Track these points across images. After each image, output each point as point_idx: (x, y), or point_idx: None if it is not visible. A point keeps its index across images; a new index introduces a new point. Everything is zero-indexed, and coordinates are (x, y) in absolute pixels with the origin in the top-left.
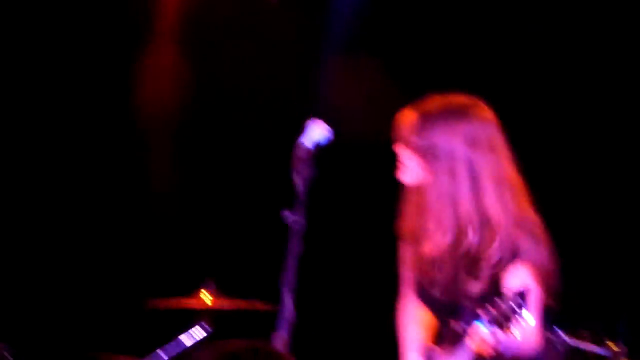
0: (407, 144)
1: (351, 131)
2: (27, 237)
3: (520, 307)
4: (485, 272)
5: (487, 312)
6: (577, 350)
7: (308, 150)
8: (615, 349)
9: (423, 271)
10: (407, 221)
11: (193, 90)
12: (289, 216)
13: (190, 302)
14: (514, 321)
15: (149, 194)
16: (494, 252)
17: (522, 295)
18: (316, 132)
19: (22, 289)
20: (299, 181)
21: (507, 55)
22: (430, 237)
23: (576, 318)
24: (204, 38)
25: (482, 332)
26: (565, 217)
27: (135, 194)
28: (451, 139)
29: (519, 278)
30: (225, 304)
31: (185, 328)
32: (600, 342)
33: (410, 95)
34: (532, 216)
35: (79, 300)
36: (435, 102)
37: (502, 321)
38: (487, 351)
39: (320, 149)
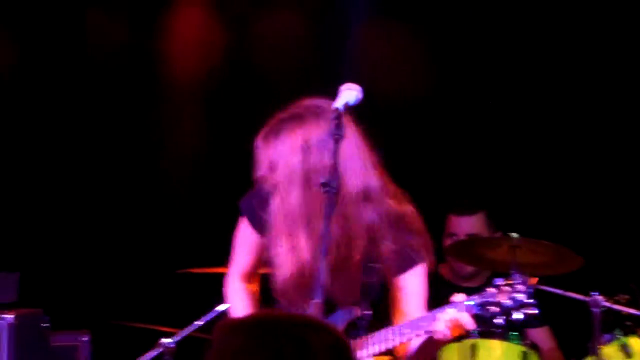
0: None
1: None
2: (61, 208)
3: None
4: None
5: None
6: (615, 312)
7: (339, 112)
8: None
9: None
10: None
11: (223, 58)
12: (324, 181)
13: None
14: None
15: (184, 166)
16: (359, 254)
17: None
18: (347, 94)
19: (59, 259)
20: (332, 144)
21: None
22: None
23: (614, 282)
24: (233, 4)
25: (461, 316)
26: (603, 186)
27: (170, 165)
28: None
29: (414, 280)
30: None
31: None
32: (637, 305)
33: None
34: (405, 211)
35: (115, 270)
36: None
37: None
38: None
39: (350, 109)
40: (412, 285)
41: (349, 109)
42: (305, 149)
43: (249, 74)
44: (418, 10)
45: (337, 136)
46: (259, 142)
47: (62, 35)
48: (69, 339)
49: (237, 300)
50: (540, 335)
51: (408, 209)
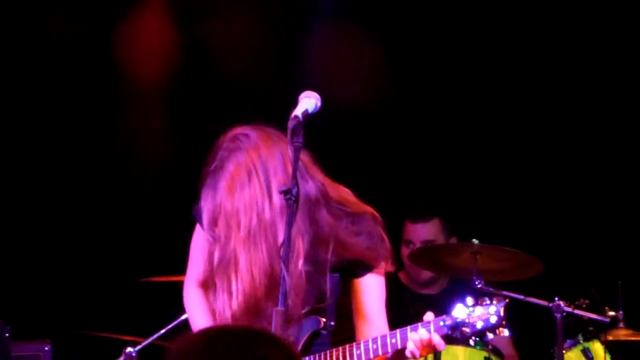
0: None
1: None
2: (21, 215)
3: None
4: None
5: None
6: (576, 318)
7: (298, 120)
8: (614, 315)
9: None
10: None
11: (183, 61)
12: (285, 189)
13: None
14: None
15: (146, 173)
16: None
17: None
18: (306, 102)
19: (19, 267)
20: (292, 152)
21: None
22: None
23: (575, 288)
24: (192, 8)
25: (432, 337)
26: (564, 193)
27: (132, 172)
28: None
29: (374, 282)
30: None
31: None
32: (598, 310)
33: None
34: (364, 214)
35: (77, 279)
36: None
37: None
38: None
39: (309, 117)
40: (373, 287)
41: (308, 117)
42: (240, 186)
43: (209, 77)
44: (376, 14)
45: (297, 144)
46: (201, 199)
47: (23, 41)
48: (31, 348)
49: (195, 308)
50: (501, 341)
51: (367, 211)
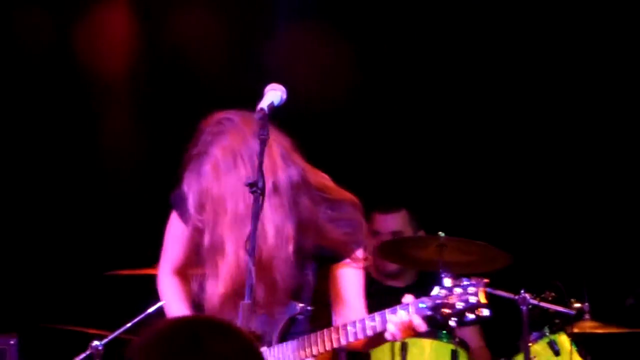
0: None
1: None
2: None
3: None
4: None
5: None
6: (542, 310)
7: (264, 113)
8: (579, 307)
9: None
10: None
11: (146, 54)
12: (250, 182)
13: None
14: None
15: (112, 166)
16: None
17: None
18: (271, 95)
19: None
20: (258, 145)
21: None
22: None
23: (541, 280)
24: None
25: (412, 318)
26: (530, 186)
27: (96, 164)
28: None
29: (352, 266)
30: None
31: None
32: (564, 302)
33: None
34: (340, 199)
35: (43, 272)
36: None
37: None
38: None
39: (275, 109)
40: (351, 273)
41: (274, 109)
42: (226, 171)
43: (173, 70)
44: (344, 11)
45: (263, 136)
46: (184, 184)
47: None
48: None
49: (170, 295)
50: (470, 333)
51: (347, 197)
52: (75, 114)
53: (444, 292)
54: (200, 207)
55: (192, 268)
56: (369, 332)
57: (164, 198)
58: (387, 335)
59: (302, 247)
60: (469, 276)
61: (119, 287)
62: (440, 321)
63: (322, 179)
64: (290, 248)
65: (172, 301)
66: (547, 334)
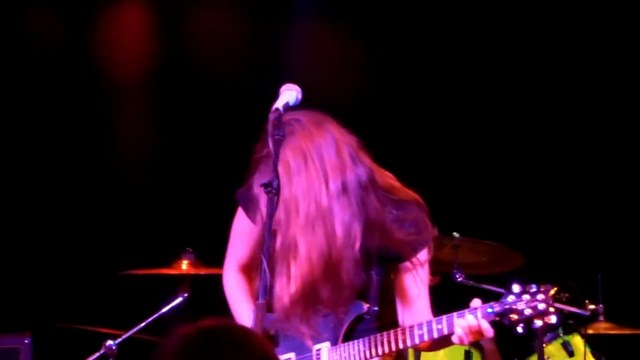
0: None
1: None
2: (2, 208)
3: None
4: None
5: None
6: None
7: (280, 113)
8: (594, 308)
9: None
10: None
11: (163, 55)
12: (265, 182)
13: (170, 270)
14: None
15: (127, 166)
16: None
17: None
18: (287, 95)
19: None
20: (273, 145)
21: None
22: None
23: (556, 281)
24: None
25: (480, 323)
26: (544, 186)
27: (110, 165)
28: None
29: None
30: (204, 271)
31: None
32: (578, 303)
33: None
34: (405, 198)
35: (57, 271)
36: None
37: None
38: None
39: (290, 109)
40: (416, 273)
41: (289, 109)
42: (297, 172)
43: (189, 72)
44: (359, 10)
45: (278, 137)
46: (255, 185)
47: None
48: (10, 341)
49: (234, 292)
50: None
51: (413, 198)
52: (92, 114)
53: (512, 297)
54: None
55: (256, 265)
56: (435, 335)
57: (178, 199)
58: (454, 339)
59: (368, 247)
60: (483, 277)
61: (133, 287)
62: (508, 326)
63: (388, 178)
64: (357, 247)
65: (236, 298)
66: (561, 334)
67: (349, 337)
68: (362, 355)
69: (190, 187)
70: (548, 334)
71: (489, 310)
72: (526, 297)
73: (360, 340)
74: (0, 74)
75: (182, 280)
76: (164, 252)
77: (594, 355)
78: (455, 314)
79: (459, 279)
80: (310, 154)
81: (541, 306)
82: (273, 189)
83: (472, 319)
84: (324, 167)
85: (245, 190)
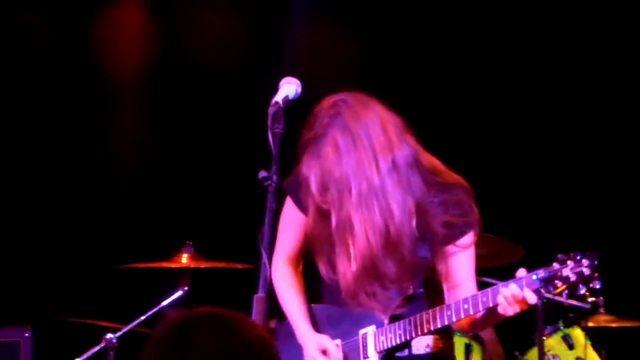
0: None
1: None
2: (1, 203)
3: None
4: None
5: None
6: (557, 304)
7: (279, 106)
8: (594, 301)
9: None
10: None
11: (162, 51)
12: (265, 175)
13: (170, 264)
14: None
15: (125, 159)
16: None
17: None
18: (286, 88)
19: None
20: (272, 139)
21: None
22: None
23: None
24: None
25: (524, 291)
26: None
27: (110, 159)
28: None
29: (464, 248)
30: (204, 265)
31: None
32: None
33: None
34: (451, 181)
35: (57, 265)
36: None
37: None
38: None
39: (290, 103)
40: (462, 254)
41: (289, 102)
42: (347, 151)
43: (187, 68)
44: (356, 8)
45: (277, 129)
46: (304, 167)
47: None
48: (11, 335)
49: (282, 282)
50: None
51: (458, 180)
52: (91, 108)
53: (557, 264)
54: (324, 189)
55: (303, 255)
56: (481, 307)
57: (178, 192)
58: (499, 309)
59: (418, 231)
60: (482, 270)
61: (133, 280)
62: (553, 292)
63: (433, 161)
64: (414, 223)
65: (284, 288)
66: (562, 327)
67: (397, 318)
68: (408, 334)
69: (190, 180)
70: (548, 327)
71: (534, 277)
72: (570, 263)
73: (406, 319)
74: None
75: (182, 274)
76: (164, 245)
77: (594, 348)
78: (500, 284)
79: None
80: (357, 133)
81: (586, 271)
82: (273, 182)
83: (516, 287)
84: (373, 145)
85: (293, 178)
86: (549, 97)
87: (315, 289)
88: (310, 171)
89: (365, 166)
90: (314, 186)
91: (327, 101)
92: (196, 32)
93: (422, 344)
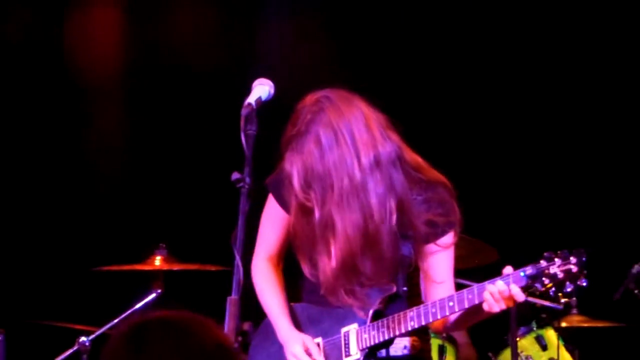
0: None
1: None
2: None
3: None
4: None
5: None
6: (530, 305)
7: (252, 108)
8: (567, 302)
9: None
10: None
11: (135, 53)
12: (238, 177)
13: (143, 266)
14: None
15: (98, 161)
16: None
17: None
18: (259, 89)
19: None
20: (245, 141)
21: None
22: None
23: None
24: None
25: (511, 288)
26: (516, 179)
27: (83, 162)
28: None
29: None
30: (178, 267)
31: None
32: (552, 297)
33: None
34: (433, 179)
35: (29, 267)
36: None
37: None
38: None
39: (263, 105)
40: (443, 253)
41: (262, 104)
42: (329, 148)
43: (160, 71)
44: (329, 8)
45: (250, 131)
46: (287, 163)
47: None
48: None
49: (263, 281)
50: None
51: (440, 179)
52: (65, 112)
53: (544, 261)
54: (306, 185)
55: (284, 253)
56: (466, 304)
57: (151, 194)
58: (485, 306)
59: (397, 225)
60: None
61: (106, 283)
62: (540, 290)
63: (417, 158)
64: (394, 221)
65: (263, 289)
66: (535, 328)
67: (379, 316)
68: (392, 332)
69: (163, 182)
70: (521, 328)
71: (522, 274)
72: (558, 260)
73: (390, 317)
74: None
75: (155, 276)
76: (137, 247)
77: (567, 348)
78: (486, 282)
79: None
80: (340, 129)
81: (574, 269)
82: (246, 184)
83: (502, 284)
84: (355, 142)
85: (275, 176)
86: (528, 100)
87: (296, 287)
88: (293, 168)
89: (347, 163)
90: (296, 183)
91: (310, 98)
92: (171, 30)
93: (399, 346)
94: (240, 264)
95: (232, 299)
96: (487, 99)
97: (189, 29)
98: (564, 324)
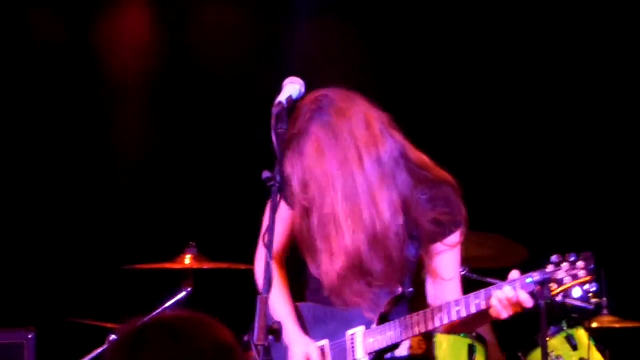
0: None
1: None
2: (6, 204)
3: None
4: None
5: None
6: (560, 304)
7: (283, 106)
8: (598, 302)
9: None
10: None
11: (165, 54)
12: (268, 175)
13: (174, 265)
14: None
15: (129, 160)
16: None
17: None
18: (290, 88)
19: (2, 255)
20: (276, 139)
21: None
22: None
23: None
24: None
25: (519, 294)
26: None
27: (114, 161)
28: None
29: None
30: (208, 265)
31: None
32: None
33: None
34: (439, 179)
35: (61, 266)
36: None
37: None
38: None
39: (294, 103)
40: (449, 253)
41: (293, 102)
42: (329, 147)
43: (190, 70)
44: (359, 8)
45: (281, 129)
46: (287, 164)
47: (3, 36)
48: (14, 336)
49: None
50: (482, 329)
51: (446, 177)
52: (95, 109)
53: (551, 267)
54: (306, 186)
55: (288, 249)
56: (473, 310)
57: (182, 193)
58: (492, 312)
59: (406, 229)
60: (488, 270)
61: (137, 281)
62: (547, 296)
63: (422, 156)
64: (401, 220)
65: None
66: (565, 328)
67: (384, 319)
68: (399, 336)
69: (193, 181)
70: (552, 328)
71: (529, 280)
72: (565, 265)
73: (397, 321)
74: (4, 73)
75: (185, 275)
76: (168, 246)
77: (598, 349)
78: (493, 287)
79: (463, 273)
80: (340, 129)
81: (581, 274)
82: (276, 183)
83: (510, 290)
84: (356, 141)
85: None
86: (552, 97)
87: (300, 285)
88: (292, 169)
89: (349, 162)
90: (296, 184)
91: (310, 97)
92: (200, 32)
93: (404, 346)
94: (271, 262)
95: (263, 297)
96: (519, 95)
97: (218, 27)
98: (594, 324)
